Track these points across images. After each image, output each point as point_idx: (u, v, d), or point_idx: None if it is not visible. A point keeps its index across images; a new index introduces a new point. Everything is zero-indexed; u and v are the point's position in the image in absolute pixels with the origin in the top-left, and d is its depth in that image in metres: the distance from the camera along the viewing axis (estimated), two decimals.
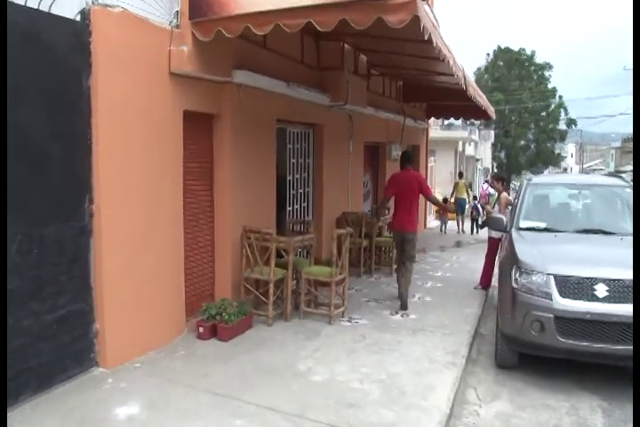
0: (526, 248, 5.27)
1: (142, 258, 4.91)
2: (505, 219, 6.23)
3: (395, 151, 12.06)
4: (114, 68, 4.51)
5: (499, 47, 43.76)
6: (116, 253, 4.62)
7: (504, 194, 7.95)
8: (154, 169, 5.00)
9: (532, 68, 43.28)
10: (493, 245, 7.92)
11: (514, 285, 4.95)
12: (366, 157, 10.99)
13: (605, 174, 21.71)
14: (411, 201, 6.93)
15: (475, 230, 16.10)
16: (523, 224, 6.01)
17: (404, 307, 6.71)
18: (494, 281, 7.74)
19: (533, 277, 4.84)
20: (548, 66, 43.56)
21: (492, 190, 16.96)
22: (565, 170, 57.36)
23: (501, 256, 6.66)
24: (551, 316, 4.66)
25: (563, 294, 4.70)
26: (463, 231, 16.05)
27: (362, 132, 10.06)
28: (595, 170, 51.64)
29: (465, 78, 8.12)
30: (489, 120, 15.16)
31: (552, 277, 4.75)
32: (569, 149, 58.21)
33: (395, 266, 8.23)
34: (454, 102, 12.93)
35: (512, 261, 5.18)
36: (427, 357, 5.20)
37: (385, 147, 11.92)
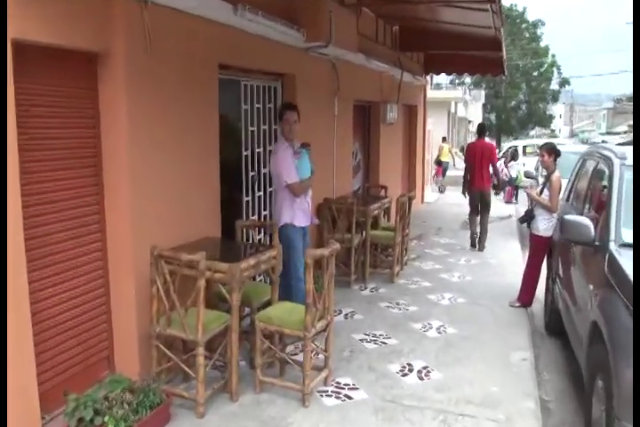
0: None
1: None
2: (591, 225, 3.63)
3: (390, 113, 9.33)
4: None
5: None
6: None
7: (556, 174, 5.31)
8: None
9: (524, 25, 39.99)
10: (541, 246, 5.36)
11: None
12: (356, 120, 8.28)
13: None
14: (485, 166, 8.16)
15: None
16: (627, 236, 3.41)
17: (479, 247, 8.14)
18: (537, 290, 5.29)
19: None
20: (540, 23, 40.31)
21: (513, 171, 14.47)
22: (553, 131, 54.60)
23: (570, 276, 4.16)
24: None
25: None
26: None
27: (350, 87, 7.31)
28: (584, 131, 48.85)
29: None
30: (498, 75, 12.39)
31: None
32: (557, 110, 55.12)
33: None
34: (461, 52, 10.36)
35: (615, 305, 2.70)
36: None
37: (378, 107, 9.15)
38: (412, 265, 7.05)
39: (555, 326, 4.88)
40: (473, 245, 8.25)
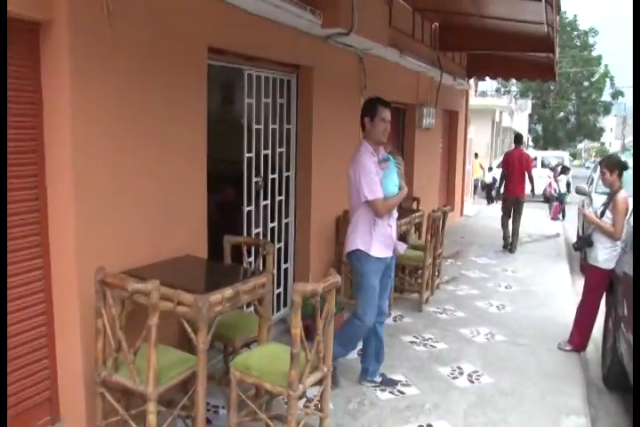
0: None
1: None
2: None
3: (428, 117, 8.43)
4: None
5: None
6: None
7: (622, 194, 4.31)
8: None
9: (575, 33, 38.32)
10: (600, 279, 4.36)
11: None
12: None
13: None
14: (521, 174, 8.41)
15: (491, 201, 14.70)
16: None
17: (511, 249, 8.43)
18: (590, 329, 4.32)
19: None
20: (592, 31, 38.56)
21: (563, 185, 13.37)
22: (603, 144, 52.19)
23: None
24: None
25: None
26: None
27: (380, 86, 6.46)
28: None
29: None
30: (549, 80, 11.33)
31: None
32: (608, 123, 52.54)
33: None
34: (507, 52, 9.40)
35: None
36: None
37: (414, 110, 8.26)
38: (444, 289, 6.12)
39: (616, 379, 3.89)
40: (505, 246, 8.54)
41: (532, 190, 8.84)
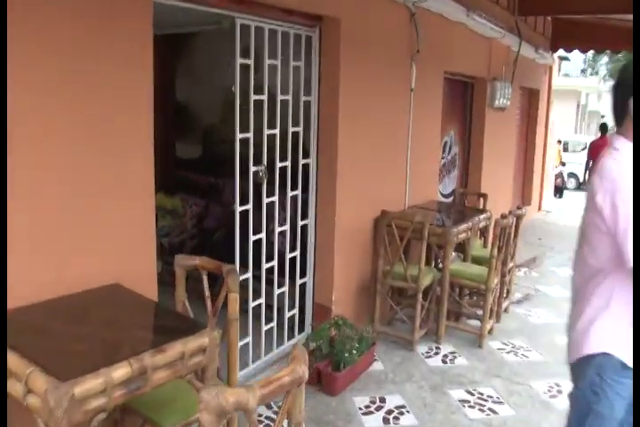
0: None
1: None
2: None
3: (501, 95, 6.89)
4: None
5: None
6: None
7: None
8: None
9: None
10: None
11: None
12: (450, 100, 6.00)
13: None
14: None
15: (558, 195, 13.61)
16: None
17: None
18: None
19: None
20: None
21: None
22: None
23: None
24: None
25: None
26: None
27: (439, 51, 5.07)
28: None
29: None
30: None
31: None
32: None
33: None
34: (602, 15, 7.69)
35: None
36: None
37: (484, 86, 6.73)
38: (514, 314, 4.70)
39: None
40: None
41: None
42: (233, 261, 3.22)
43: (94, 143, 2.23)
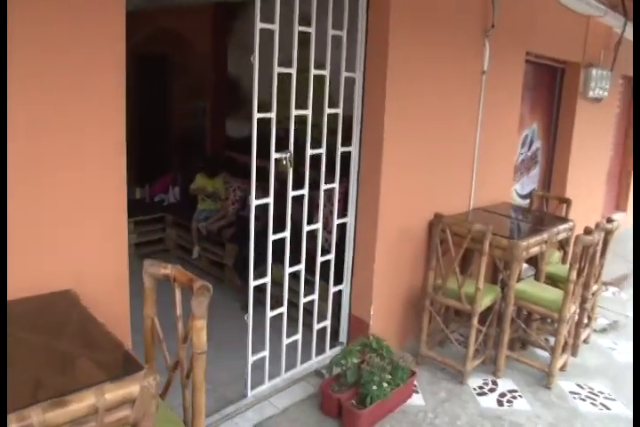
0: None
1: None
2: None
3: (599, 85, 5.93)
4: None
5: None
6: None
7: None
8: None
9: None
10: None
11: None
12: (533, 86, 5.16)
13: None
14: None
15: None
16: None
17: None
18: None
19: None
20: None
21: None
22: None
23: None
24: None
25: None
26: None
27: (520, 28, 4.28)
28: None
29: None
30: None
31: None
32: None
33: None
34: None
35: None
36: None
37: (577, 72, 5.78)
38: (596, 345, 3.86)
39: None
40: None
41: None
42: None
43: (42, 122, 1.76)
